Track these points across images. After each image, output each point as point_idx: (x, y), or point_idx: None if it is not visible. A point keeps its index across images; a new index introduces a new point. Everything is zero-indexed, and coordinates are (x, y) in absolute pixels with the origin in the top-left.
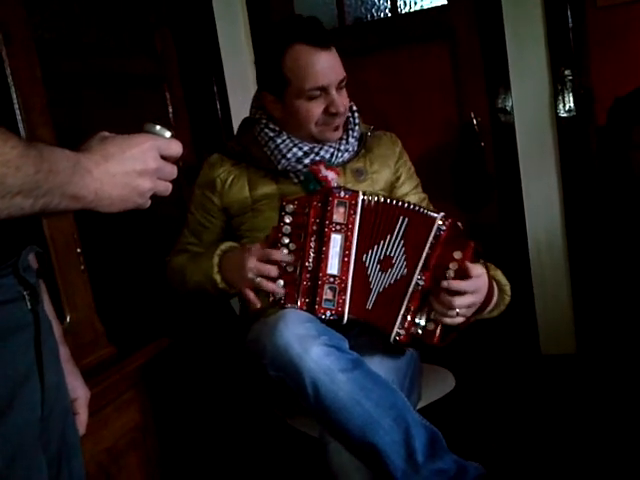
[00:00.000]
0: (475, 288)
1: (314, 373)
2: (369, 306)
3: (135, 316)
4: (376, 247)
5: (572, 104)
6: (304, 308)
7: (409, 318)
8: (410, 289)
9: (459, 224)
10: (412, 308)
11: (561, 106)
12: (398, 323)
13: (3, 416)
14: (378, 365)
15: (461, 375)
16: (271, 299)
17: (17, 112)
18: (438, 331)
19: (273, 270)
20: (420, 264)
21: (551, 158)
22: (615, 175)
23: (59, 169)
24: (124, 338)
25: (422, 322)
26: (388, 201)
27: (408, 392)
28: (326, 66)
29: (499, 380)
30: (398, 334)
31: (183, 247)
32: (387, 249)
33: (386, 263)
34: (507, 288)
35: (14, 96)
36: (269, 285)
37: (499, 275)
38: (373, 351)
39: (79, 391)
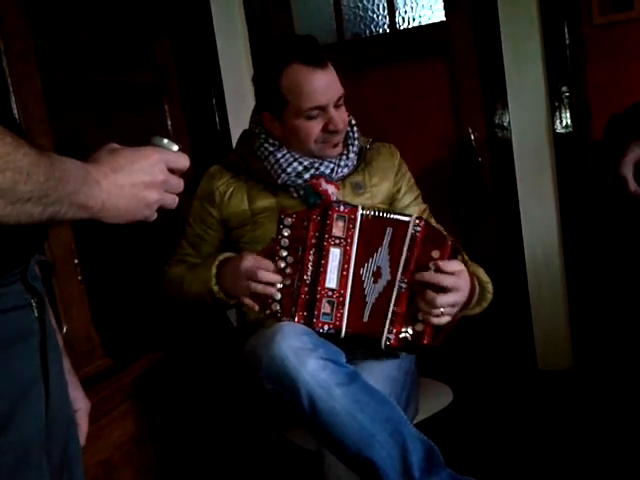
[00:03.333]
0: (454, 284)
1: (310, 386)
2: (365, 319)
3: (131, 328)
4: (371, 260)
5: (569, 120)
6: (302, 321)
7: (397, 322)
8: (394, 293)
9: (433, 223)
10: (398, 311)
11: (558, 122)
12: (386, 328)
13: (9, 423)
14: (375, 379)
15: (458, 389)
16: (267, 312)
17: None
18: (428, 332)
19: (266, 275)
20: (400, 267)
21: (548, 174)
22: (612, 191)
23: (69, 178)
24: (120, 350)
25: (410, 325)
26: (377, 214)
27: (405, 406)
28: (323, 85)
29: (496, 395)
30: (388, 339)
31: (181, 258)
32: (378, 260)
33: (377, 274)
34: (489, 286)
35: (14, 106)
36: (266, 289)
37: (480, 272)
38: (370, 364)
39: (80, 402)
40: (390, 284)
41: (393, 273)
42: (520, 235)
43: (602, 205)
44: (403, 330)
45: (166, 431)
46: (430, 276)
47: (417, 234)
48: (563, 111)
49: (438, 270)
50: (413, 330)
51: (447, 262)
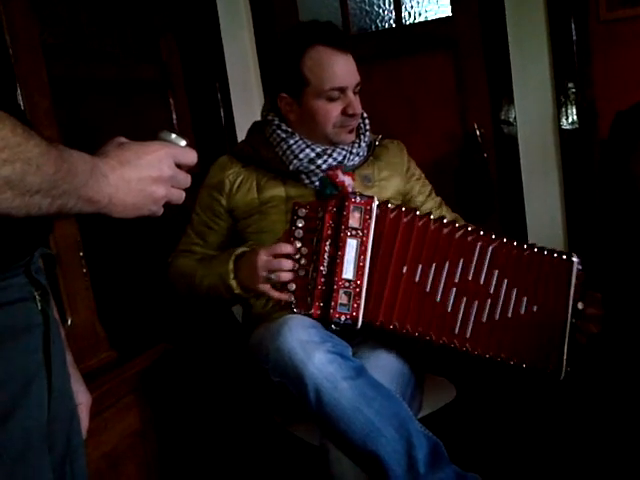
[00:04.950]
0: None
1: (317, 379)
2: (465, 334)
3: (136, 321)
4: (435, 266)
5: (575, 117)
6: (318, 312)
7: (569, 358)
8: (567, 330)
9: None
10: (570, 345)
11: (564, 119)
12: (565, 366)
13: (11, 415)
14: (380, 373)
15: (462, 386)
16: (282, 303)
17: None
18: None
19: (285, 263)
20: (570, 306)
21: (554, 170)
22: (617, 188)
23: (77, 171)
24: (125, 342)
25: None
26: (464, 227)
27: (410, 401)
28: (345, 68)
29: (500, 391)
30: (567, 371)
31: (187, 247)
32: (465, 275)
33: (477, 292)
34: None
35: (20, 97)
36: (283, 276)
37: None
38: (375, 359)
39: (81, 396)
40: (553, 318)
41: (559, 309)
42: (525, 231)
43: (607, 202)
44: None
45: (170, 424)
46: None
47: (579, 274)
48: (569, 107)
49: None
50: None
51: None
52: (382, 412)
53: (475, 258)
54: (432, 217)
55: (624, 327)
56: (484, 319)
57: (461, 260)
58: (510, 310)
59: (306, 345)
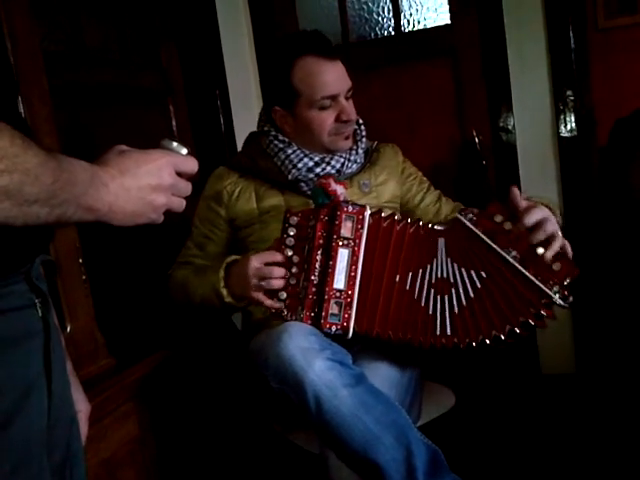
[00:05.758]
0: (543, 213)
1: (317, 387)
2: (446, 331)
3: (135, 328)
4: (421, 271)
5: (574, 124)
6: (309, 322)
7: (546, 279)
8: (519, 267)
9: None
10: (537, 272)
11: (563, 126)
12: (548, 290)
13: (11, 422)
14: (379, 381)
15: (461, 393)
16: (273, 311)
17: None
18: (567, 263)
19: (276, 271)
20: (501, 251)
21: (552, 178)
22: (616, 195)
23: (77, 180)
24: (124, 349)
25: (551, 274)
26: (421, 224)
27: (409, 409)
28: (335, 75)
29: (499, 399)
30: (561, 297)
31: (186, 259)
32: (436, 273)
33: (444, 287)
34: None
35: (21, 105)
36: (274, 283)
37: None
38: (375, 367)
39: (80, 404)
40: (503, 270)
41: (496, 261)
42: None
43: (606, 209)
44: (556, 278)
45: (169, 431)
46: (530, 217)
47: (475, 219)
48: (568, 115)
49: (517, 214)
50: (557, 273)
51: (521, 202)
52: (381, 420)
53: (439, 254)
54: (421, 223)
55: (625, 337)
56: (456, 310)
57: (434, 260)
58: (470, 290)
59: (306, 352)
